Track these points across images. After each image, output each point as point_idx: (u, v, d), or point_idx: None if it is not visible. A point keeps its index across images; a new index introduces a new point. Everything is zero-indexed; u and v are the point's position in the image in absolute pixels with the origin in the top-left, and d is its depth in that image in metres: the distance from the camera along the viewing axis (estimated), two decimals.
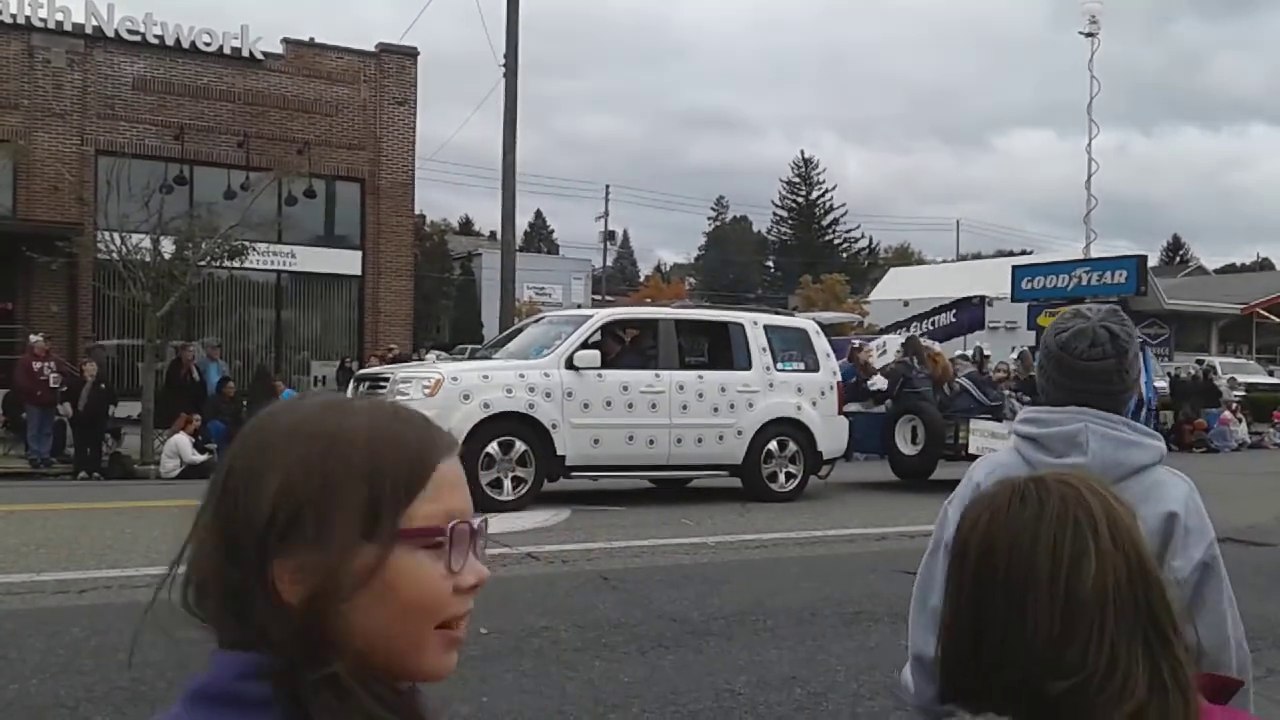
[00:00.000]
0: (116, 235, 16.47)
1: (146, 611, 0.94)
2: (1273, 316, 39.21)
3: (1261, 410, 26.72)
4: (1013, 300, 27.04)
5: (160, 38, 22.78)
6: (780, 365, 12.54)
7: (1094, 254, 29.28)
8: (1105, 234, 56.72)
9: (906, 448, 14.07)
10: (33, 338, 16.86)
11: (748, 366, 12.33)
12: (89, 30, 22.20)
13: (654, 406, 11.63)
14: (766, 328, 12.73)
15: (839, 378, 13.20)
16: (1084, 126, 29.59)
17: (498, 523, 8.89)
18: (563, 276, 54.51)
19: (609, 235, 63.55)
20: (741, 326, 12.57)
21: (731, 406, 12.07)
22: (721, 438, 12.02)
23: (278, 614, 0.89)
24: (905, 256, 74.47)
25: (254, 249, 18.58)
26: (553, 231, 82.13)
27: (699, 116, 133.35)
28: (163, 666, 5.00)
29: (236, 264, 18.75)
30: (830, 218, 70.35)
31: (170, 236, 16.99)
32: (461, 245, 65.58)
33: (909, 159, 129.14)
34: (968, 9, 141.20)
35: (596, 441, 11.35)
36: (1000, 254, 60.74)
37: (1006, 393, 15.86)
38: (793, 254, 67.50)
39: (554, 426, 11.07)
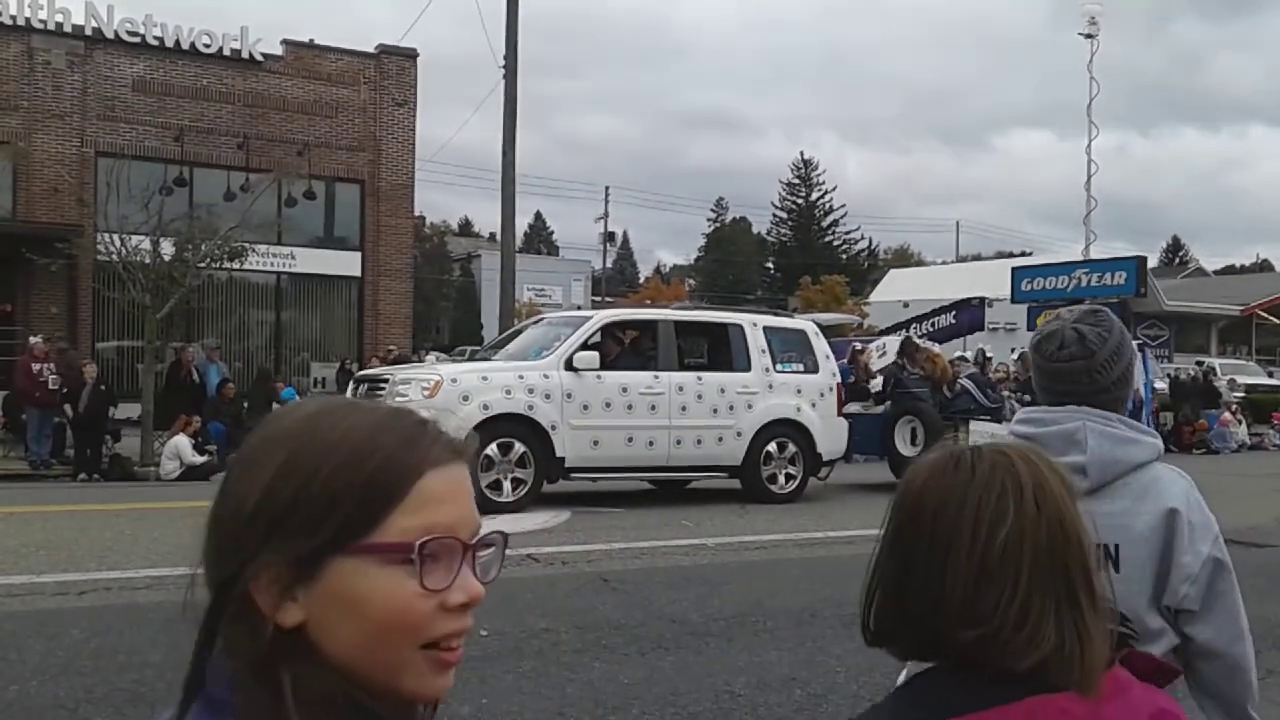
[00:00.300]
0: (116, 237, 16.46)
1: (184, 609, 0.93)
2: (1272, 318, 39.22)
3: (1261, 411, 26.71)
4: (1012, 301, 27.08)
5: (160, 39, 22.79)
6: (780, 367, 12.54)
7: (1094, 255, 29.30)
8: (1105, 235, 56.76)
9: (906, 449, 14.07)
10: (32, 339, 16.86)
11: (747, 368, 12.33)
12: (89, 32, 22.21)
13: (653, 408, 11.63)
14: (766, 329, 12.74)
15: (838, 379, 13.21)
16: (1084, 127, 29.65)
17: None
18: (562, 278, 54.54)
19: (609, 236, 63.65)
20: (741, 328, 12.57)
21: (731, 408, 12.07)
22: (721, 439, 12.02)
23: (248, 620, 0.89)
24: (905, 258, 74.47)
25: (254, 250, 18.56)
26: (552, 233, 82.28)
27: (699, 117, 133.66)
28: (162, 667, 5.01)
29: (236, 265, 18.72)
30: (830, 219, 70.29)
31: (170, 238, 16.98)
32: (461, 247, 65.70)
33: (909, 159, 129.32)
34: (968, 9, 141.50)
35: (596, 443, 11.34)
36: (1000, 255, 60.83)
37: (1006, 394, 15.88)
38: (792, 255, 67.46)
39: (553, 428, 11.07)
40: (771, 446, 12.28)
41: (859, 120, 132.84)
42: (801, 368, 12.74)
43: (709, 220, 78.55)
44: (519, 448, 10.85)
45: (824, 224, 70.34)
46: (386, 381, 11.33)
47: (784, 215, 71.30)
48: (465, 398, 10.73)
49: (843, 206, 70.77)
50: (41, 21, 21.72)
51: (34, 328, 19.33)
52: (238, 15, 72.31)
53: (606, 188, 62.37)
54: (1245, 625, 1.93)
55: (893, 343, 15.98)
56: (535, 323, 13.69)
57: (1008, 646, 1.12)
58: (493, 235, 50.99)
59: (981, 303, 24.98)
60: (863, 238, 72.05)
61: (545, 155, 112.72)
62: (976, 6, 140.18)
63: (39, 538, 8.73)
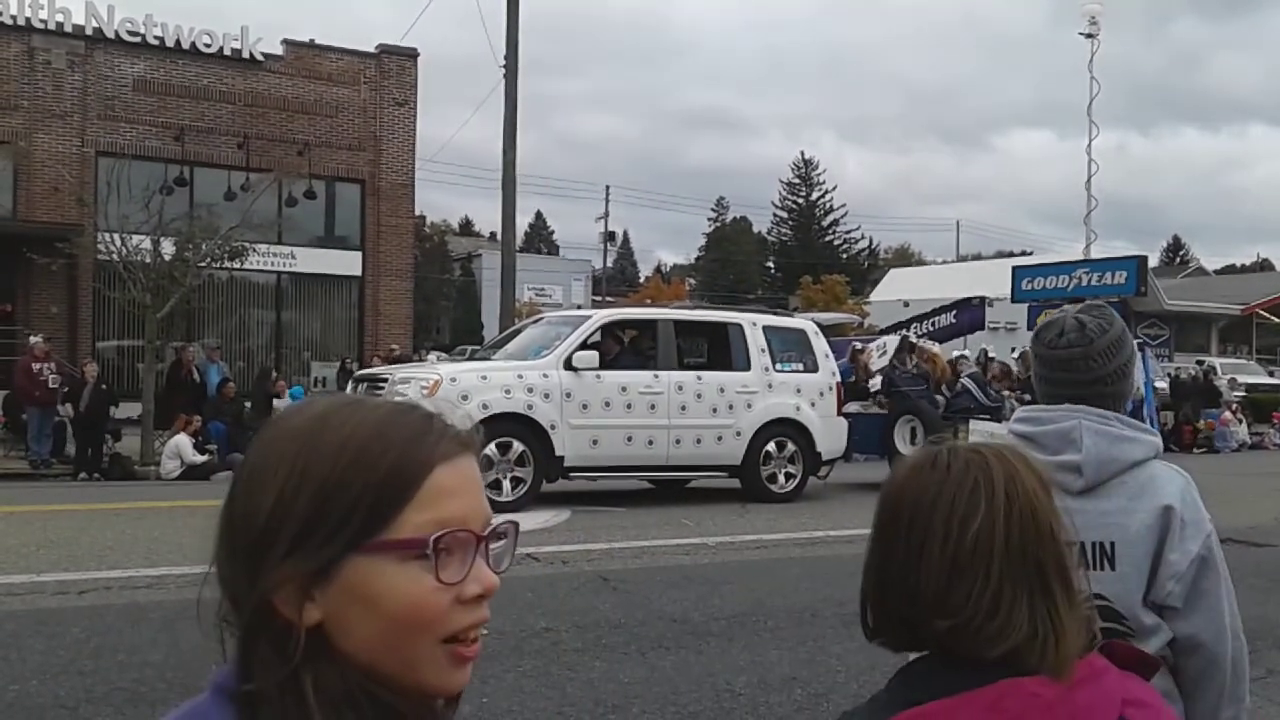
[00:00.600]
0: (117, 236, 16.48)
1: (199, 606, 0.94)
2: (1273, 317, 39.21)
3: (1261, 411, 26.72)
4: (1013, 301, 27.04)
5: (160, 39, 22.80)
6: (779, 366, 12.54)
7: (1094, 255, 29.28)
8: (1105, 234, 56.87)
9: (906, 448, 14.07)
10: (32, 339, 16.87)
11: (747, 367, 12.33)
12: (89, 31, 22.21)
13: (653, 407, 11.63)
14: (765, 328, 12.73)
15: (838, 378, 13.21)
16: (1084, 127, 29.57)
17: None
18: (563, 277, 54.55)
19: (609, 236, 63.56)
20: (740, 327, 12.57)
21: (730, 407, 12.07)
22: (720, 438, 12.02)
23: (273, 627, 0.89)
24: (905, 257, 74.47)
25: (254, 250, 18.58)
26: (553, 232, 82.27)
27: (699, 116, 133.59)
28: (163, 667, 5.02)
29: (236, 265, 18.74)
30: (830, 218, 70.28)
31: (170, 238, 17.00)
32: (461, 246, 65.67)
33: (909, 159, 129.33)
34: (967, 8, 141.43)
35: (595, 442, 11.34)
36: (1000, 255, 60.81)
37: (1006, 393, 15.88)
38: (793, 255, 67.46)
39: (552, 427, 11.07)
40: (771, 446, 12.28)
41: (859, 120, 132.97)
42: (801, 367, 12.74)
43: (709, 220, 78.63)
44: (518, 447, 10.85)
45: (824, 223, 70.33)
46: (385, 381, 11.34)
47: (784, 215, 71.32)
48: (465, 397, 10.72)
49: (843, 206, 70.86)
50: (42, 21, 21.73)
51: (34, 327, 19.35)
52: (238, 15, 72.44)
53: (607, 187, 62.41)
54: (1230, 623, 1.92)
55: (893, 342, 15.98)
56: (534, 322, 13.69)
57: (979, 635, 1.17)
58: (493, 235, 51.02)
59: (982, 302, 24.94)
60: (863, 237, 72.16)
61: (545, 155, 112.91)
62: (976, 6, 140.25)
63: (39, 537, 8.73)
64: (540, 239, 78.67)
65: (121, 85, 22.51)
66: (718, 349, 12.70)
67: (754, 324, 12.70)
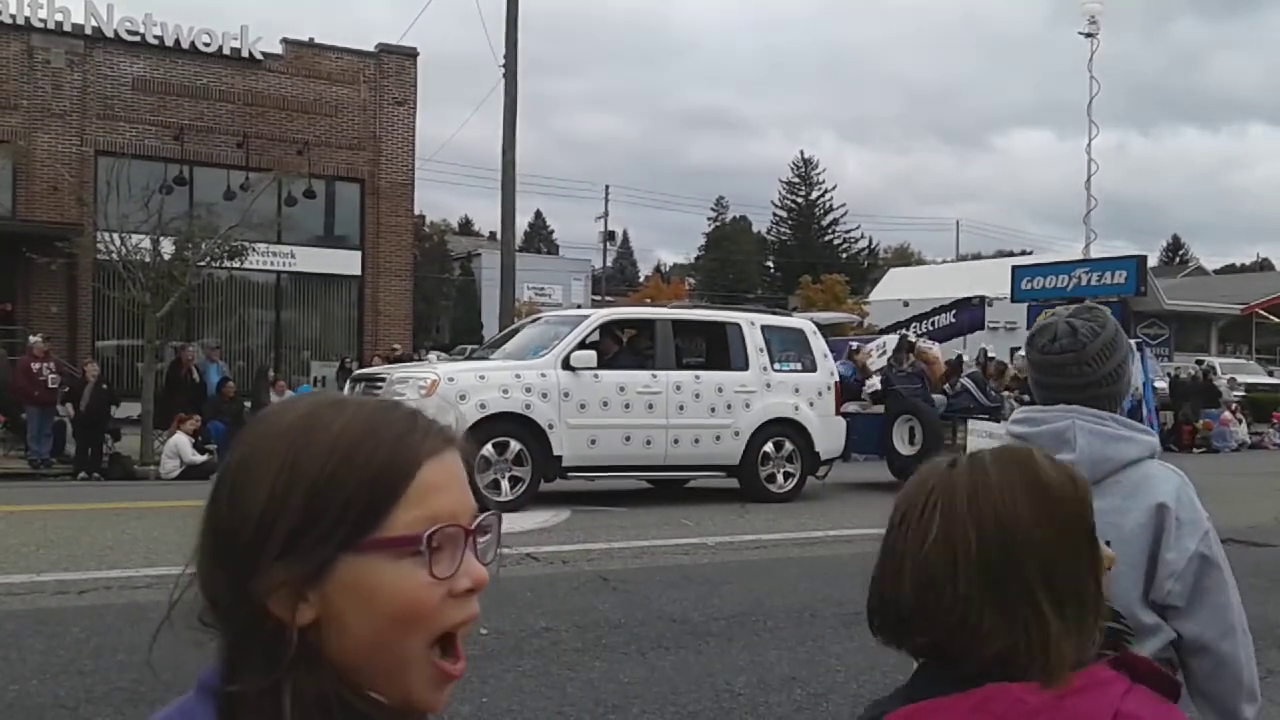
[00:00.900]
0: (116, 236, 16.47)
1: (171, 609, 0.93)
2: (1272, 317, 39.21)
3: (1261, 410, 26.74)
4: (1012, 301, 26.98)
5: (160, 38, 22.80)
6: (778, 366, 12.53)
7: (1094, 254, 29.26)
8: (1105, 234, 56.76)
9: (904, 448, 14.06)
10: (32, 339, 16.86)
11: (745, 367, 12.33)
12: (88, 31, 22.21)
13: (651, 407, 11.63)
14: (764, 328, 12.73)
15: (837, 378, 13.20)
16: (1083, 127, 29.55)
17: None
18: (562, 277, 54.51)
19: (609, 235, 63.54)
20: (739, 327, 12.56)
21: (729, 407, 12.07)
22: (719, 438, 12.02)
23: (265, 629, 0.89)
24: (905, 257, 74.48)
25: (254, 249, 18.58)
26: (552, 232, 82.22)
27: (699, 116, 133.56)
28: (162, 667, 5.01)
29: (236, 264, 18.75)
30: (830, 218, 70.27)
31: (170, 237, 16.99)
32: (461, 245, 65.65)
33: (908, 159, 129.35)
34: (967, 8, 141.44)
35: (593, 442, 11.34)
36: (1000, 254, 60.80)
37: (1005, 393, 15.88)
38: (792, 254, 67.43)
39: (550, 427, 11.07)
40: (769, 446, 12.27)
41: (859, 119, 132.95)
42: (799, 367, 12.74)
43: (709, 219, 78.62)
44: (516, 446, 10.85)
45: (824, 223, 70.32)
46: (383, 380, 11.33)
47: (784, 214, 71.30)
48: (462, 396, 10.72)
49: (843, 205, 70.83)
50: (41, 20, 21.73)
51: (34, 327, 19.35)
52: (237, 14, 72.40)
53: (606, 187, 62.34)
54: (1236, 622, 1.92)
55: (892, 342, 15.97)
56: (533, 321, 13.68)
57: (955, 645, 1.19)
58: (493, 234, 51.03)
59: (982, 302, 24.94)
60: (863, 237, 72.14)
61: (545, 154, 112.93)
62: (976, 5, 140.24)
63: (39, 537, 8.73)
64: (540, 239, 78.64)
65: (121, 84, 22.51)
66: (716, 349, 12.69)
67: (752, 323, 12.69)
